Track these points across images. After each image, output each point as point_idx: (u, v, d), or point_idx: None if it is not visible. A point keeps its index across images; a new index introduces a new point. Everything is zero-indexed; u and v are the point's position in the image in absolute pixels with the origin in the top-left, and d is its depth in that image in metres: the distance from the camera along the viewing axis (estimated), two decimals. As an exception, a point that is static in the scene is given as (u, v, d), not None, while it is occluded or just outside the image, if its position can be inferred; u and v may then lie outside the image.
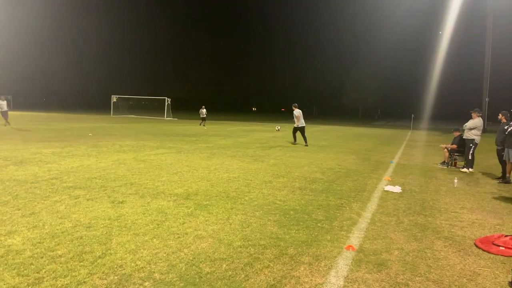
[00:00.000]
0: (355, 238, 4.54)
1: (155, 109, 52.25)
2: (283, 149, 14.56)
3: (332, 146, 16.57)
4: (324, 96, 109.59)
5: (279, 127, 26.38)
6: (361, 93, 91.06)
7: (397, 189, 7.42)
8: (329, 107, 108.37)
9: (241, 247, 4.08)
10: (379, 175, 9.16)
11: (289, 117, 32.46)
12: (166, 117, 45.76)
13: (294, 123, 16.47)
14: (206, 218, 5.04)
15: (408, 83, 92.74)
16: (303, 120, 16.31)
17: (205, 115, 31.68)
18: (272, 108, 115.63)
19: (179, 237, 4.31)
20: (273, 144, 16.71)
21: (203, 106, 32.11)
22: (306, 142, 16.20)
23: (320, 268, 3.64)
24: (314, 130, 30.26)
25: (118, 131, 21.63)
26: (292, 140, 17.16)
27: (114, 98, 52.96)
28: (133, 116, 49.38)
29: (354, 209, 5.88)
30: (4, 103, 22.49)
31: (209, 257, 3.76)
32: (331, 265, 3.72)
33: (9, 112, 23.80)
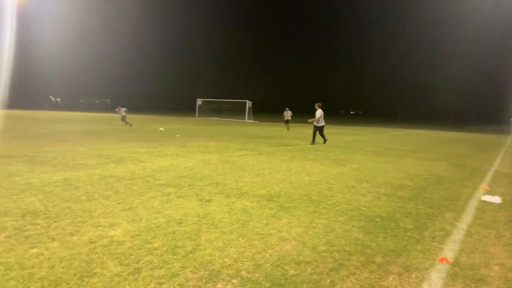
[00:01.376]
0: (449, 251, 4.24)
1: (236, 111, 53.80)
2: (366, 153, 14.11)
3: (419, 151, 15.67)
4: (412, 99, 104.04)
5: (162, 129, 23.28)
6: (454, 94, 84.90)
7: (496, 199, 6.79)
8: (416, 110, 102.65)
9: (325, 251, 4.04)
10: (475, 184, 8.45)
11: (366, 120, 31.37)
12: (247, 120, 46.86)
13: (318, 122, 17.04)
14: (289, 221, 5.07)
15: (506, 84, 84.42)
16: (323, 121, 17.22)
17: (289, 118, 30.44)
18: (351, 111, 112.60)
19: (263, 237, 4.39)
20: (354, 148, 16.28)
21: (287, 108, 30.83)
22: (324, 140, 17.29)
23: (411, 280, 3.46)
24: (398, 135, 28.85)
25: (203, 132, 22.67)
26: (311, 140, 17.34)
27: (199, 101, 55.60)
28: (216, 118, 51.36)
29: (448, 219, 5.49)
30: (123, 109, 27.29)
31: (294, 259, 3.78)
32: (423, 277, 3.52)
33: (107, 114, 26.59)
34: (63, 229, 4.35)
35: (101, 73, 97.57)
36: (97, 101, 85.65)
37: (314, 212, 5.54)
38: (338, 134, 26.83)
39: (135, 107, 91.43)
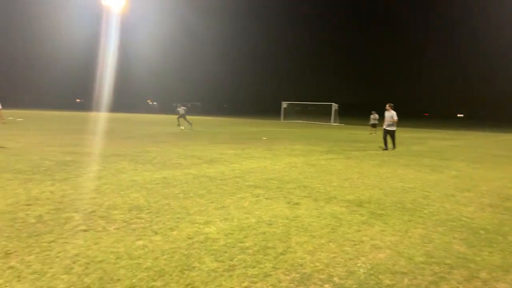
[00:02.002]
0: None
1: (322, 114, 53.22)
2: (466, 159, 13.01)
3: (529, 159, 14.02)
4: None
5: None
6: None
7: None
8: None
9: (423, 263, 3.81)
10: None
11: (468, 124, 28.86)
12: (333, 123, 46.08)
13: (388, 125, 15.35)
14: (382, 228, 4.87)
15: None
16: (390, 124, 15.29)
17: (376, 121, 28.67)
18: (447, 113, 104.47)
19: (355, 244, 4.28)
20: (453, 153, 15.11)
21: (374, 112, 29.20)
22: (394, 145, 15.54)
23: (525, 301, 3.11)
24: (502, 139, 26.15)
25: (288, 135, 22.80)
26: (383, 146, 15.64)
27: (284, 104, 56.07)
28: (301, 121, 51.31)
29: None
30: (181, 109, 27.24)
31: (389, 269, 3.62)
32: (540, 300, 3.14)
33: (198, 117, 27.83)
34: (164, 224, 4.68)
35: (192, 77, 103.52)
36: (188, 105, 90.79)
37: (409, 221, 5.25)
38: (434, 138, 25.15)
39: (223, 110, 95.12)
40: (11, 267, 3.26)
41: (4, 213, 4.81)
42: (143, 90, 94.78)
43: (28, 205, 5.24)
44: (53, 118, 35.55)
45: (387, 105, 15.19)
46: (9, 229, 4.24)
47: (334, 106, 48.60)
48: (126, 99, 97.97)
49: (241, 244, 4.10)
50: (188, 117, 27.49)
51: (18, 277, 3.09)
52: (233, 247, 4.02)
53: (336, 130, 31.55)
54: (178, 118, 27.12)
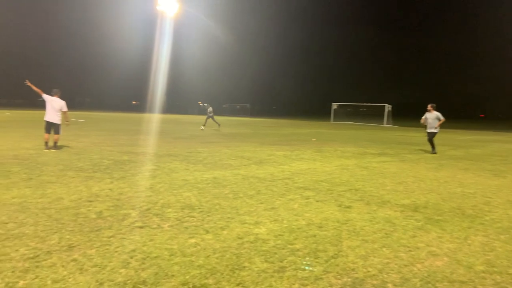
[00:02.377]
0: None
1: (374, 116, 51.78)
2: (532, 164, 12.10)
3: None
4: None
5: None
6: None
7: None
8: None
9: (484, 272, 3.59)
10: None
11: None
12: (386, 124, 44.70)
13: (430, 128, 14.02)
14: (439, 235, 4.65)
15: None
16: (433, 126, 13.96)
17: None
18: (509, 115, 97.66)
19: (410, 250, 4.11)
20: (517, 157, 14.11)
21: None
22: (434, 149, 14.10)
23: None
24: None
25: (339, 137, 22.42)
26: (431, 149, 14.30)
27: (334, 105, 55.20)
28: (352, 122, 50.27)
29: None
30: (210, 109, 27.43)
31: (446, 277, 3.45)
32: None
33: (247, 118, 28.00)
34: (215, 223, 4.77)
35: (242, 79, 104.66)
36: (238, 106, 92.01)
37: (469, 228, 4.97)
38: (496, 141, 23.65)
39: (272, 112, 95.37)
40: (74, 260, 3.47)
41: (68, 208, 5.13)
42: (195, 92, 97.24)
43: (90, 201, 5.55)
44: (111, 119, 37.44)
45: (429, 106, 13.99)
46: (72, 223, 4.51)
47: (387, 107, 47.10)
48: (178, 101, 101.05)
49: (291, 246, 4.08)
50: (237, 118, 27.89)
51: (81, 269, 3.28)
52: (283, 248, 4.01)
53: (389, 132, 30.56)
54: (206, 119, 27.51)
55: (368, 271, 3.52)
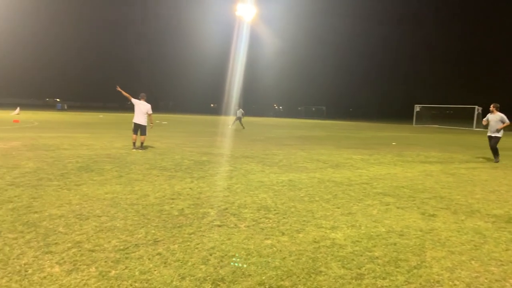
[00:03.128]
0: None
1: (462, 118, 48.10)
2: None
3: None
4: None
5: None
6: None
7: None
8: None
9: None
10: None
11: None
12: (476, 128, 41.28)
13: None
14: (540, 251, 4.18)
15: None
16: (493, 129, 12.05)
17: None
18: None
19: (502, 264, 3.75)
20: None
21: None
22: (496, 156, 12.16)
23: None
24: None
25: (422, 141, 21.18)
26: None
27: (417, 108, 52.30)
28: (437, 126, 47.18)
29: None
30: (240, 111, 27.94)
31: (549, 299, 3.08)
32: None
33: (323, 121, 27.58)
34: (290, 225, 4.77)
35: (317, 81, 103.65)
36: (313, 109, 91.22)
37: None
38: None
39: (348, 114, 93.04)
40: (159, 254, 3.69)
41: (153, 205, 5.48)
42: (270, 95, 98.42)
43: (172, 199, 5.87)
44: (191, 121, 39.28)
45: (492, 106, 12.14)
46: (157, 219, 4.81)
47: (477, 109, 43.40)
48: (254, 104, 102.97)
49: (370, 253, 3.94)
50: (312, 121, 27.72)
51: (165, 263, 3.48)
52: (361, 255, 3.88)
53: (479, 136, 28.16)
54: (235, 120, 28.43)
55: (455, 285, 3.27)
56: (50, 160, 9.02)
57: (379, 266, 3.61)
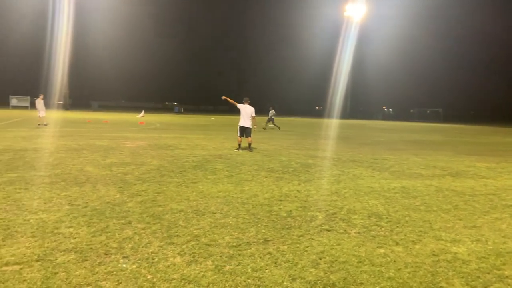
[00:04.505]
0: None
1: None
2: None
3: None
4: None
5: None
6: None
7: None
8: None
9: None
10: None
11: None
12: None
13: None
14: None
15: None
16: None
17: None
18: None
19: None
20: None
21: None
22: None
23: None
24: None
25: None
26: None
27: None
28: None
29: None
30: (272, 111, 26.48)
31: None
32: None
33: (438, 124, 25.41)
34: (405, 235, 4.50)
35: (432, 82, 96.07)
36: (427, 111, 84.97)
37: None
38: None
39: (468, 117, 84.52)
40: (269, 253, 3.78)
41: (262, 205, 5.63)
42: (379, 97, 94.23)
43: (280, 200, 5.96)
44: (297, 124, 39.58)
45: None
46: (266, 219, 4.93)
47: None
48: (362, 106, 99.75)
49: (498, 272, 3.52)
50: (427, 124, 25.76)
51: (275, 263, 3.55)
52: (488, 273, 3.49)
53: None
54: (267, 121, 27.14)
55: None
56: (170, 159, 9.87)
57: (509, 286, 3.20)
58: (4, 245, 3.69)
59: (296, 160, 10.57)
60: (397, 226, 4.83)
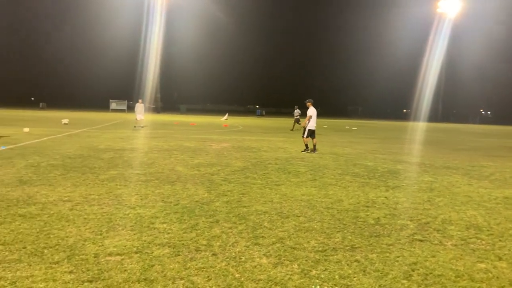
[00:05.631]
0: None
1: None
2: None
3: None
4: None
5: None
6: None
7: None
8: None
9: None
10: None
11: None
12: None
13: None
14: None
15: None
16: None
17: None
18: None
19: None
20: None
21: None
22: None
23: None
24: None
25: None
26: None
27: None
28: None
29: None
30: (297, 111, 26.43)
31: None
32: None
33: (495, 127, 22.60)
34: (509, 250, 4.06)
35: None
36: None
37: None
38: None
39: None
40: (357, 261, 3.64)
41: (348, 210, 5.48)
42: (476, 99, 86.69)
43: (367, 206, 5.74)
44: (382, 127, 37.97)
45: None
46: (353, 225, 4.77)
47: None
48: (456, 108, 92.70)
49: None
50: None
51: (364, 271, 3.41)
52: None
53: None
54: (294, 122, 26.50)
55: None
56: (254, 161, 10.06)
57: None
58: (108, 237, 4.04)
59: (383, 165, 10.13)
60: (500, 240, 4.37)
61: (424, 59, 65.83)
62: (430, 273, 3.40)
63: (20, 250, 3.60)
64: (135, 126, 22.41)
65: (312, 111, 12.34)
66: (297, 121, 26.27)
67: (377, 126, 41.20)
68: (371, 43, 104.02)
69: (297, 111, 26.60)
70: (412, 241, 4.26)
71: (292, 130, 25.46)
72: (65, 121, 24.24)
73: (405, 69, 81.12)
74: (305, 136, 12.44)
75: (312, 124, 12.36)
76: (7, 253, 3.50)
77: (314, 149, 12.50)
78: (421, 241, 4.27)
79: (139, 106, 22.52)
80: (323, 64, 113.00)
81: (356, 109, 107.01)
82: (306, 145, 12.58)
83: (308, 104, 12.53)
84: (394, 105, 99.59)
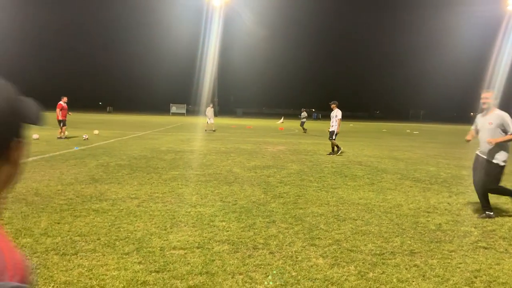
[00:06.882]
0: None
1: None
2: None
3: None
4: None
5: None
6: None
7: None
8: None
9: None
10: None
11: None
12: None
13: None
14: None
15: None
16: None
17: None
18: None
19: None
20: None
21: None
22: None
23: None
24: None
25: None
26: None
27: None
28: None
29: None
30: (304, 114, 26.86)
31: None
32: None
33: None
34: None
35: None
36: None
37: None
38: None
39: None
40: (416, 265, 3.58)
41: (407, 215, 5.35)
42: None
43: (428, 212, 5.57)
44: (445, 131, 36.10)
45: None
46: (412, 230, 4.67)
47: None
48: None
49: None
50: None
51: (423, 276, 3.35)
52: None
53: None
54: (301, 125, 26.68)
55: None
56: (310, 164, 10.07)
57: None
58: (172, 232, 4.30)
59: (446, 171, 9.70)
60: None
61: (492, 60, 61.67)
62: (494, 281, 3.27)
63: (95, 241, 3.94)
64: (206, 130, 23.05)
65: (339, 113, 12.14)
66: (302, 124, 26.37)
67: (440, 130, 39.27)
68: (436, 44, 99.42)
69: (303, 114, 26.81)
70: (476, 248, 4.09)
71: (305, 132, 25.34)
72: (95, 131, 25.53)
73: (473, 70, 76.57)
74: (334, 138, 12.32)
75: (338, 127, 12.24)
76: (83, 244, 3.85)
77: (333, 151, 12.34)
78: (486, 248, 4.09)
79: (210, 111, 23.22)
80: (382, 65, 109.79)
81: (418, 112, 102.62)
82: (337, 146, 12.38)
83: (333, 106, 12.29)
84: (460, 108, 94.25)
